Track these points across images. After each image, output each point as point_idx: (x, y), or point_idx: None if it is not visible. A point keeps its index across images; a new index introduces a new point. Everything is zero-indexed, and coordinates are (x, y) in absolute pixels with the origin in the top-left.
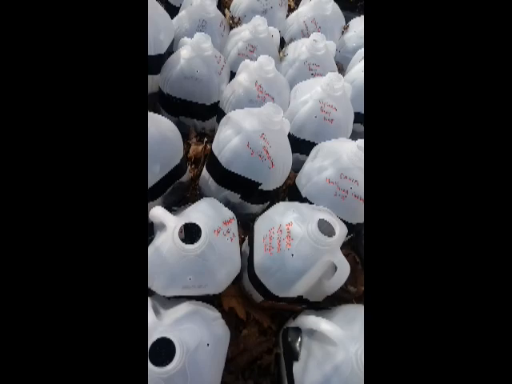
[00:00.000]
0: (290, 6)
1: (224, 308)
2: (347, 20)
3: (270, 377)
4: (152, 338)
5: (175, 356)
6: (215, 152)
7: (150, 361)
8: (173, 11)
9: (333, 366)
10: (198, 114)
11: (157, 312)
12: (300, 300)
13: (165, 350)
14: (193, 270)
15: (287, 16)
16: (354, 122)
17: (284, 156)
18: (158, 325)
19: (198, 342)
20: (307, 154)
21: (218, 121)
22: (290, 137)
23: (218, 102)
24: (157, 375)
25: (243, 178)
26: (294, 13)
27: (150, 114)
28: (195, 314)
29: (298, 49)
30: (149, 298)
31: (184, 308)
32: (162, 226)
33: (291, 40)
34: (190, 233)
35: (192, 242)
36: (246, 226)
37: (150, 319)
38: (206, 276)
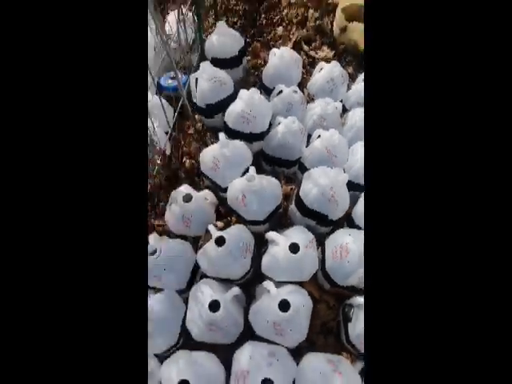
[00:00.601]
0: (349, 74)
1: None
2: None
3: (333, 334)
4: (277, 299)
5: (290, 309)
6: (301, 196)
7: (279, 309)
8: (268, 91)
9: None
10: (286, 165)
11: (275, 288)
12: (353, 288)
13: (285, 306)
14: (294, 268)
15: (348, 87)
16: None
17: (344, 198)
18: (278, 294)
19: (300, 303)
20: (361, 192)
21: (300, 169)
22: (350, 182)
23: (300, 157)
24: (281, 318)
25: (319, 213)
26: (353, 88)
27: (272, 180)
28: (297, 290)
29: (355, 117)
30: (269, 281)
31: (291, 287)
32: (273, 242)
33: (350, 108)
34: (292, 246)
35: (293, 253)
36: (318, 240)
37: (274, 290)
38: (301, 272)
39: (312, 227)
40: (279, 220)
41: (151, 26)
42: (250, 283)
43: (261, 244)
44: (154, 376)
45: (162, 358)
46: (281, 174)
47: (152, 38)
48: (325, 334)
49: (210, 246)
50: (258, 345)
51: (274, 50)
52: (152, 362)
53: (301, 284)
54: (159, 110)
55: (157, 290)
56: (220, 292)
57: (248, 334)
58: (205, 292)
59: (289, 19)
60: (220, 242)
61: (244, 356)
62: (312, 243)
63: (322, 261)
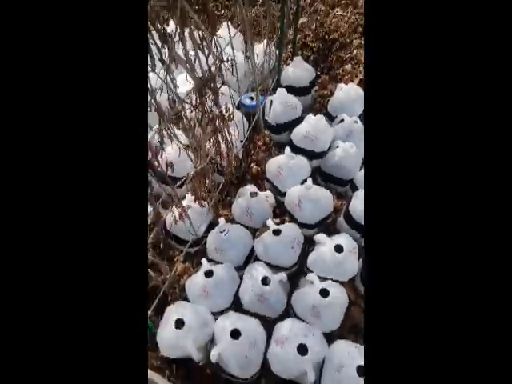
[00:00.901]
0: None
1: None
2: None
3: (363, 336)
4: (318, 287)
5: (329, 296)
6: (351, 211)
7: (320, 295)
8: (331, 118)
9: None
10: (340, 183)
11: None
12: None
13: (324, 293)
14: (337, 266)
15: None
16: None
17: None
18: (320, 284)
19: (337, 295)
20: None
21: (351, 188)
22: None
23: (353, 178)
24: (320, 302)
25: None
26: None
27: (326, 192)
28: (337, 286)
29: None
30: (313, 274)
31: (332, 282)
32: (319, 243)
33: None
34: (337, 247)
35: (337, 252)
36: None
37: (317, 281)
38: (342, 271)
39: (356, 239)
40: (327, 228)
41: (247, 55)
42: (295, 276)
43: (309, 246)
44: (209, 327)
45: (216, 317)
46: (333, 190)
47: (244, 65)
48: (355, 334)
49: (267, 235)
50: (297, 321)
51: (341, 84)
52: (209, 317)
53: (340, 283)
54: (239, 122)
55: (217, 263)
56: (271, 273)
57: (288, 316)
58: (258, 270)
59: (357, 59)
60: (276, 232)
61: (284, 327)
62: (355, 250)
63: (362, 269)
